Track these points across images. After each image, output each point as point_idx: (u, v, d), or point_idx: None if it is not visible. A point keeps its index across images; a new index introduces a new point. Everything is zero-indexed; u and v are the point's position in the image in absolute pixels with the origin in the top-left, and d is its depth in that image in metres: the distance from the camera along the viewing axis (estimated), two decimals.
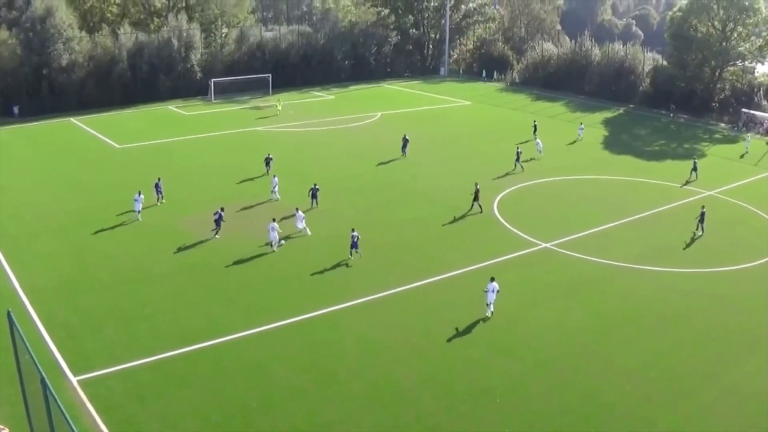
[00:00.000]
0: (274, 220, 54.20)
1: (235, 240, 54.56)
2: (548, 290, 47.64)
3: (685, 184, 72.81)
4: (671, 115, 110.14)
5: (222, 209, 56.18)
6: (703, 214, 58.47)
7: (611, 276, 50.03)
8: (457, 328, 42.04)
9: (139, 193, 59.21)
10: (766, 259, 53.46)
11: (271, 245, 53.07)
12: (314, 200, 62.22)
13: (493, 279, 44.20)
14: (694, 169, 74.99)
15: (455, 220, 60.14)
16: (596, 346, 40.59)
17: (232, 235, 55.32)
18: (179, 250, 52.83)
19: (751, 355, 40.32)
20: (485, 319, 43.56)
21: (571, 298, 46.59)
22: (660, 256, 53.61)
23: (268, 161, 71.03)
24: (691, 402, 35.70)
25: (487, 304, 43.84)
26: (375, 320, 42.90)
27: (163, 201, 62.95)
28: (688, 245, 55.89)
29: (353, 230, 51.97)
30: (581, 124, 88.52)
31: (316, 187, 62.55)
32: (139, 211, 58.78)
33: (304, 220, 56.27)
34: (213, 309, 43.76)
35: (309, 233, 55.93)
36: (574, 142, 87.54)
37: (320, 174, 69.09)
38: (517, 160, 75.51)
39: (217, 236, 55.12)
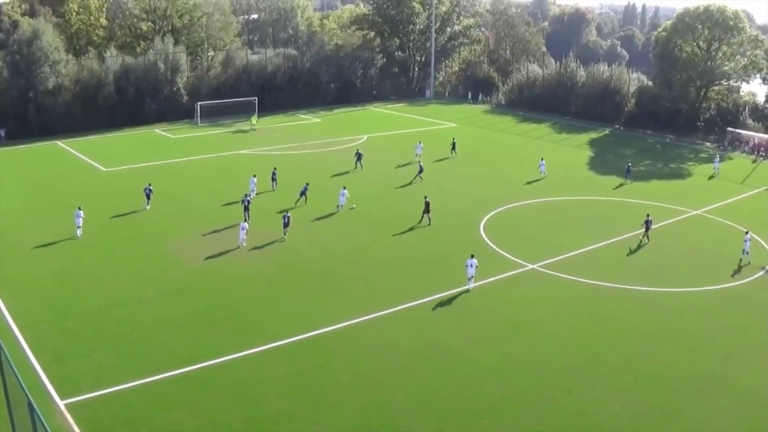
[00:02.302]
0: (245, 220, 60.03)
1: (223, 263, 54.56)
2: (536, 311, 47.66)
3: (618, 187, 78.60)
4: (620, 128, 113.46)
5: (288, 211, 61.78)
6: (647, 222, 60.63)
7: (600, 296, 50.15)
8: (446, 350, 42.05)
9: (79, 208, 60.31)
10: (752, 278, 53.78)
11: (241, 242, 57.76)
12: (303, 197, 68.76)
13: (472, 255, 50.33)
14: (628, 171, 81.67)
15: (442, 241, 60.24)
16: (586, 366, 40.61)
17: (220, 259, 55.30)
18: (167, 273, 52.75)
19: (741, 373, 40.40)
20: (466, 292, 49.66)
21: (560, 318, 46.65)
22: (648, 275, 53.76)
23: (273, 176, 74.65)
24: (681, 421, 35.69)
25: (468, 278, 49.89)
26: (364, 343, 42.81)
27: (148, 207, 66.83)
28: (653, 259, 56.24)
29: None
30: (542, 159, 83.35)
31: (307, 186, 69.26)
32: (79, 227, 59.56)
33: (345, 197, 67.06)
34: (201, 332, 43.58)
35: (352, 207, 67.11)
36: (538, 180, 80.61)
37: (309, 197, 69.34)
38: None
39: (285, 237, 59.60)
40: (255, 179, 72.12)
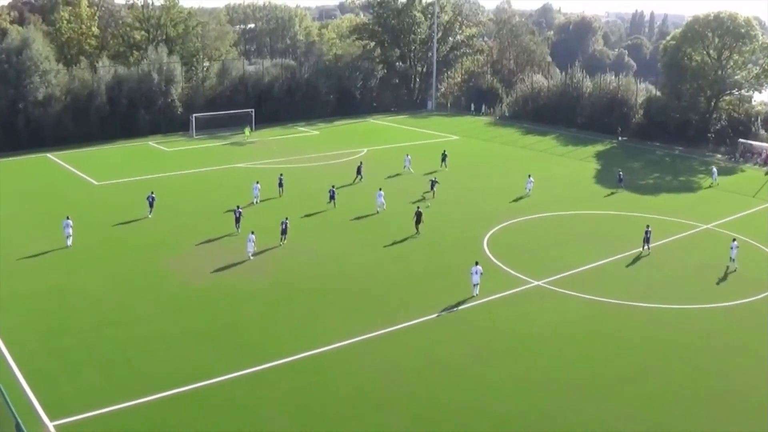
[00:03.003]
0: (252, 232, 59.03)
1: (220, 280, 54.63)
2: (541, 328, 47.72)
3: (610, 195, 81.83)
4: (619, 138, 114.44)
5: (287, 218, 62.88)
6: (647, 232, 61.69)
7: (605, 313, 50.16)
8: (448, 368, 42.08)
9: (67, 218, 61.27)
10: (764, 294, 53.66)
11: (249, 255, 58.49)
12: (332, 200, 73.08)
13: (477, 262, 52.41)
14: (620, 180, 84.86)
15: (444, 256, 60.33)
16: (591, 386, 40.60)
17: (216, 275, 55.37)
18: (161, 289, 52.81)
19: (753, 392, 40.32)
20: (472, 298, 51.29)
21: (564, 336, 46.66)
22: (655, 292, 53.75)
23: (280, 182, 78.12)
24: None
25: (473, 285, 51.69)
26: (363, 362, 42.82)
27: (150, 215, 68.83)
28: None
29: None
30: (529, 176, 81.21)
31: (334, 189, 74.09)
32: (69, 236, 60.65)
33: (383, 197, 71.83)
34: (197, 351, 43.60)
35: (384, 208, 71.50)
36: (521, 198, 78.96)
37: (300, 209, 69.62)
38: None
39: (282, 243, 61.76)
40: (258, 185, 74.75)
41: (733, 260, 58.75)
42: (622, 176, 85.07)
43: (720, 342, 46.44)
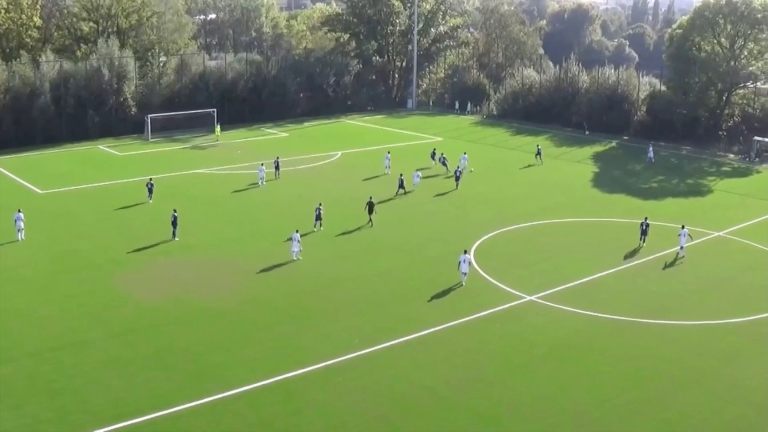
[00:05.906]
0: (297, 231, 62.01)
1: (178, 298, 54.26)
2: (536, 350, 47.53)
3: (526, 167, 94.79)
4: (586, 132, 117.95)
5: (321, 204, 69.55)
6: (642, 224, 65.59)
7: (608, 332, 50.06)
8: (433, 395, 41.81)
9: (19, 211, 63.91)
10: None
11: (294, 255, 61.46)
12: (401, 188, 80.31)
13: (466, 251, 56.74)
14: (538, 153, 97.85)
15: (427, 271, 60.12)
16: (594, 414, 40.36)
17: (174, 294, 55.01)
18: (113, 310, 52.24)
19: None
20: (459, 286, 55.58)
21: (563, 358, 46.50)
22: (663, 307, 53.76)
23: (277, 165, 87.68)
24: None
25: (462, 274, 55.77)
26: (338, 388, 42.51)
27: (150, 201, 76.29)
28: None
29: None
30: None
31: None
32: (21, 230, 63.85)
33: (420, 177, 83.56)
34: (152, 378, 43.19)
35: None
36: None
37: (273, 223, 69.26)
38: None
39: (318, 228, 68.57)
40: (264, 167, 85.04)
41: (683, 248, 62.28)
42: (540, 150, 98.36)
43: (742, 362, 46.20)
